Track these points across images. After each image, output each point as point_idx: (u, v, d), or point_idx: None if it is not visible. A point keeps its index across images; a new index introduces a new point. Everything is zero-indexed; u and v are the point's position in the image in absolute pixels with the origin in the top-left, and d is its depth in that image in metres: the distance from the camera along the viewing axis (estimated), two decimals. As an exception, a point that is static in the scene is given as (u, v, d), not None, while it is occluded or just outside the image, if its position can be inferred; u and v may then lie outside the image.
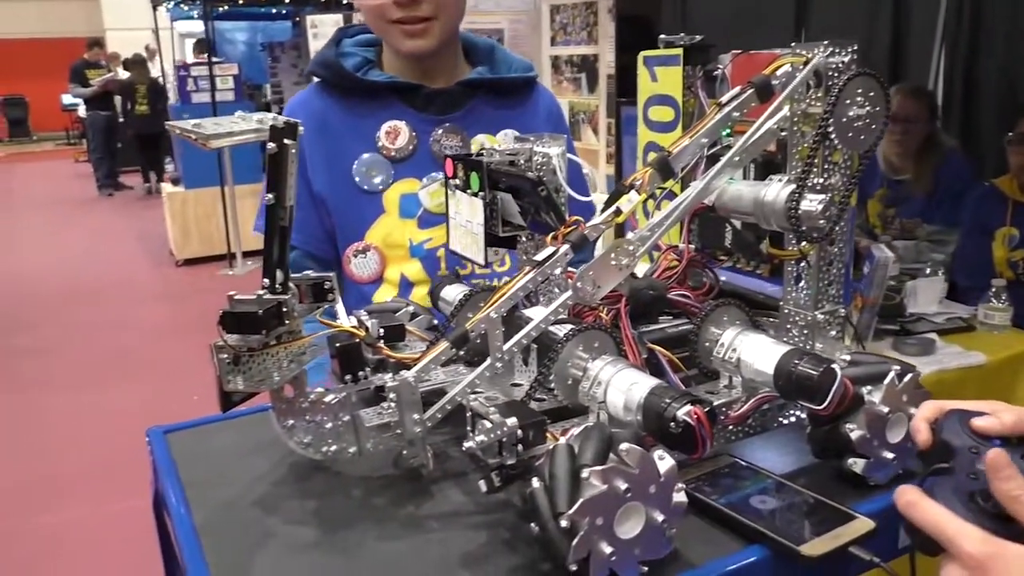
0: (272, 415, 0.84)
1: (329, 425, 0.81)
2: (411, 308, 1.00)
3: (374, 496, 0.79)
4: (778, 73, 0.85)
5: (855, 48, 0.83)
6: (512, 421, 0.66)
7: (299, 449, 0.84)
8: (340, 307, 0.88)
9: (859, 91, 0.81)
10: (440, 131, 1.32)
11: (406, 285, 1.32)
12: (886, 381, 0.75)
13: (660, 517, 0.64)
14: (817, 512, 0.71)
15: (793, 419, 0.85)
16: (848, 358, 0.80)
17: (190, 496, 0.80)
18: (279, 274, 0.79)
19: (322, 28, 5.22)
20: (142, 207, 7.51)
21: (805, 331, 0.88)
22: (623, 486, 0.61)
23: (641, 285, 0.91)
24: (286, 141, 0.75)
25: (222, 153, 5.62)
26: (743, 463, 0.80)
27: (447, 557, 0.69)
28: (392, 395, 0.75)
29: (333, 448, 0.82)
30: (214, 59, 5.84)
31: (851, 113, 0.81)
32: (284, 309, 0.77)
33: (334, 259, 1.33)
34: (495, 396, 0.80)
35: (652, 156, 1.02)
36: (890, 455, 0.76)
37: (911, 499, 0.58)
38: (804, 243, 0.87)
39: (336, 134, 1.30)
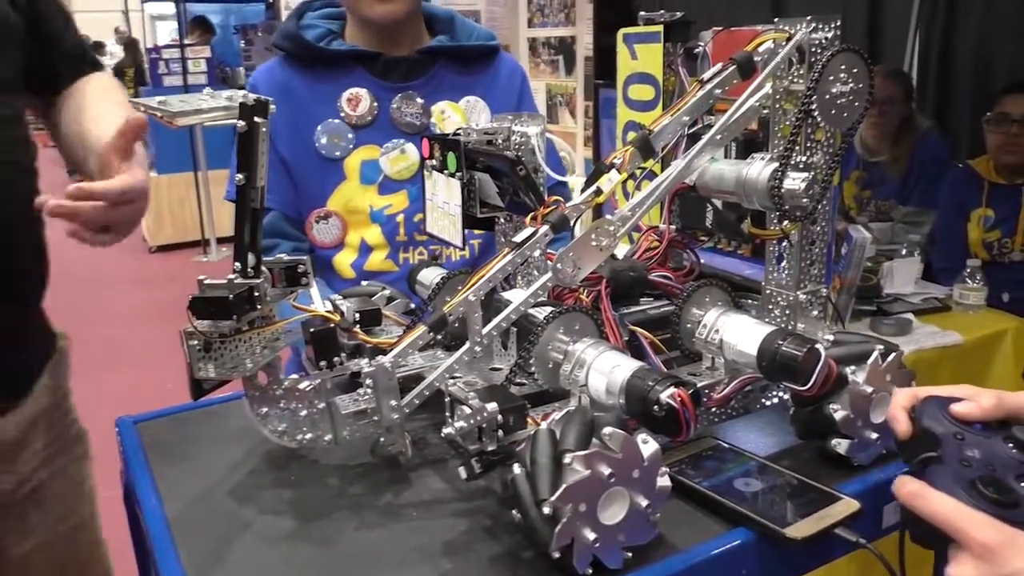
0: (245, 403, 0.81)
1: (304, 413, 0.79)
2: (387, 292, 0.98)
3: (351, 485, 0.77)
4: (760, 49, 0.83)
5: (838, 24, 0.81)
6: (492, 406, 0.65)
7: (273, 437, 0.82)
8: (314, 291, 0.85)
9: (842, 67, 0.80)
10: (400, 98, 1.32)
11: (366, 250, 1.34)
12: (870, 361, 0.75)
13: (644, 502, 0.62)
14: (802, 494, 0.70)
15: (776, 400, 0.85)
16: (831, 338, 0.79)
17: (161, 488, 0.78)
18: (251, 257, 0.77)
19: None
20: (113, 193, 7.39)
21: (787, 311, 0.87)
22: (606, 471, 0.60)
23: (622, 266, 0.89)
24: (256, 119, 0.73)
25: (195, 137, 5.53)
26: (726, 445, 0.79)
27: (427, 546, 0.67)
28: (368, 381, 0.73)
29: (308, 436, 0.80)
30: (186, 42, 5.72)
31: (834, 90, 0.80)
32: (256, 294, 0.75)
33: (302, 222, 1.34)
34: (474, 381, 0.78)
35: (632, 135, 1.00)
36: (874, 435, 0.76)
37: (914, 490, 0.55)
38: (786, 222, 0.86)
39: (299, 102, 1.31)
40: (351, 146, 1.30)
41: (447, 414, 0.70)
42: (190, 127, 0.73)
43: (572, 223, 0.81)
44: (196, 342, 0.74)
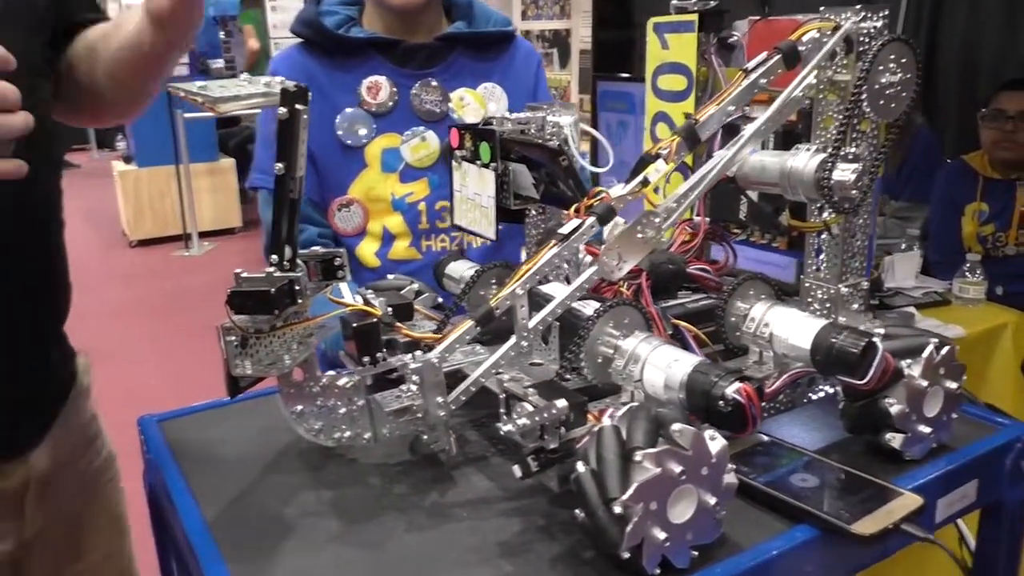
0: (279, 400, 0.79)
1: (343, 410, 0.77)
2: (415, 286, 0.95)
3: (394, 484, 0.75)
4: (804, 39, 0.82)
5: (886, 13, 0.80)
6: (562, 403, 0.63)
7: (309, 436, 0.79)
8: (344, 285, 0.83)
9: (891, 57, 0.79)
10: (420, 85, 1.31)
11: (388, 238, 1.33)
12: (924, 354, 0.74)
13: (712, 500, 0.61)
14: (861, 489, 0.69)
15: (822, 395, 0.83)
16: (881, 331, 0.78)
17: (195, 490, 0.75)
18: (287, 250, 0.74)
19: (280, 0, 5.07)
20: (90, 186, 7.24)
21: (827, 304, 0.86)
22: (677, 469, 0.58)
23: (661, 259, 0.88)
24: (297, 106, 0.70)
25: (177, 130, 5.44)
26: (776, 440, 0.77)
27: (482, 547, 0.65)
28: (415, 377, 0.71)
29: (347, 434, 0.78)
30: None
31: (883, 80, 0.79)
32: (296, 287, 0.72)
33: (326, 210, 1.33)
34: (519, 376, 0.76)
35: (662, 126, 0.98)
36: (927, 429, 0.75)
37: None
38: (827, 215, 0.85)
39: (319, 90, 1.29)
40: (372, 134, 1.29)
41: (502, 411, 0.68)
42: (231, 115, 0.70)
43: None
44: (234, 338, 0.72)
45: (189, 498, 0.74)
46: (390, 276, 0.97)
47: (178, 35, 0.87)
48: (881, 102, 0.79)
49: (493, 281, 0.90)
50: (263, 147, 1.31)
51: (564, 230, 0.75)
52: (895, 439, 0.74)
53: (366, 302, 0.81)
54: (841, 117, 0.81)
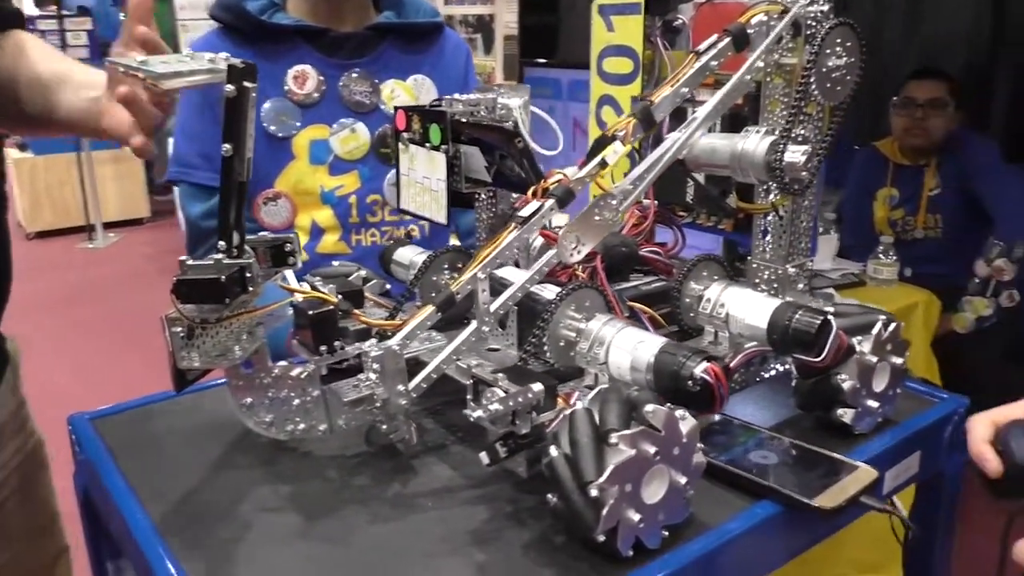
0: (228, 393, 0.75)
1: (297, 402, 0.74)
2: (363, 272, 0.92)
3: (353, 476, 0.73)
4: (753, 22, 0.83)
5: (830, -5, 0.82)
6: (538, 387, 0.62)
7: (259, 429, 0.76)
8: (290, 273, 0.80)
9: (838, 41, 0.81)
10: (349, 76, 1.27)
11: (317, 232, 1.29)
12: (874, 331, 0.76)
13: (683, 480, 0.61)
14: (818, 464, 0.71)
15: (772, 373, 0.85)
16: (831, 309, 0.80)
17: (138, 490, 0.71)
18: (235, 236, 0.71)
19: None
20: (-19, 176, 6.83)
21: (774, 284, 0.87)
22: (651, 450, 0.58)
23: (614, 242, 0.88)
24: (246, 83, 0.66)
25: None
26: (730, 419, 0.78)
27: (452, 536, 0.64)
28: (376, 365, 0.68)
29: (301, 426, 0.75)
30: (64, 12, 5.32)
31: (830, 63, 0.81)
32: (247, 275, 0.69)
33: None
34: (480, 362, 0.75)
35: (625, 107, 0.98)
36: (875, 404, 0.77)
37: None
38: (775, 196, 0.87)
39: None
40: (298, 125, 1.23)
41: (468, 397, 0.66)
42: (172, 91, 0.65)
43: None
44: (179, 329, 0.68)
45: (132, 500, 0.69)
46: (335, 263, 0.94)
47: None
48: (828, 85, 0.81)
49: (446, 266, 0.88)
50: (182, 137, 1.24)
51: (524, 213, 0.74)
52: (846, 414, 0.76)
53: (315, 289, 0.78)
54: (789, 100, 0.82)
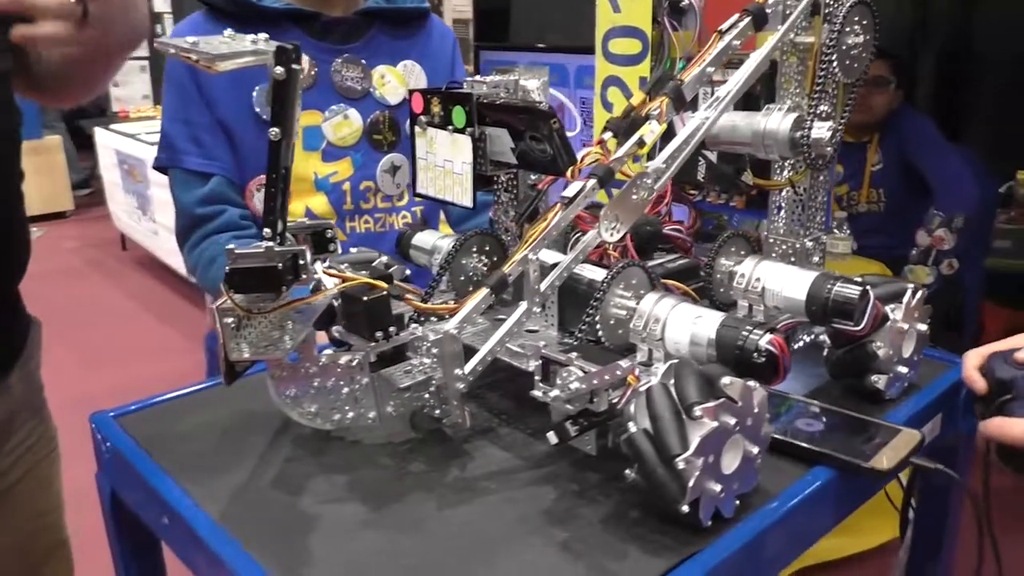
0: (269, 385, 0.74)
1: (346, 390, 0.73)
2: (384, 258, 0.91)
3: (407, 463, 0.72)
4: (770, 1, 0.85)
5: (846, -24, 0.84)
6: (627, 364, 0.62)
7: (304, 420, 0.74)
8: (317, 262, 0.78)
9: (856, 19, 0.83)
10: (341, 62, 1.24)
11: (312, 219, 1.24)
12: (905, 299, 0.79)
13: (755, 449, 0.63)
14: (862, 429, 0.73)
15: (801, 344, 0.87)
16: (859, 279, 0.83)
17: (188, 488, 0.69)
18: (279, 223, 0.69)
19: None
20: None
21: (791, 258, 0.90)
22: (731, 421, 0.59)
23: (640, 221, 0.88)
24: (294, 66, 0.64)
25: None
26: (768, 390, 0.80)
27: (527, 517, 0.64)
28: (435, 350, 0.68)
29: (350, 415, 0.73)
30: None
31: (850, 41, 0.83)
32: (300, 262, 0.67)
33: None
34: (522, 343, 0.75)
35: (633, 89, 0.99)
36: (905, 370, 0.80)
37: (999, 422, 0.65)
38: (792, 173, 0.89)
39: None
40: None
41: (537, 378, 0.66)
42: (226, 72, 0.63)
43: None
44: (231, 320, 0.66)
45: (185, 497, 0.67)
46: (353, 249, 0.92)
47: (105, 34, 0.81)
48: (847, 62, 0.84)
49: (475, 250, 0.88)
50: (170, 122, 1.19)
51: (568, 193, 0.74)
52: (880, 380, 0.79)
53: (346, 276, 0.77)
54: (803, 78, 0.85)
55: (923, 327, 0.82)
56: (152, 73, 5.37)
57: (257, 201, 1.21)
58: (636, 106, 0.95)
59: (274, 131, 0.65)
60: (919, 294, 0.80)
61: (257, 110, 1.18)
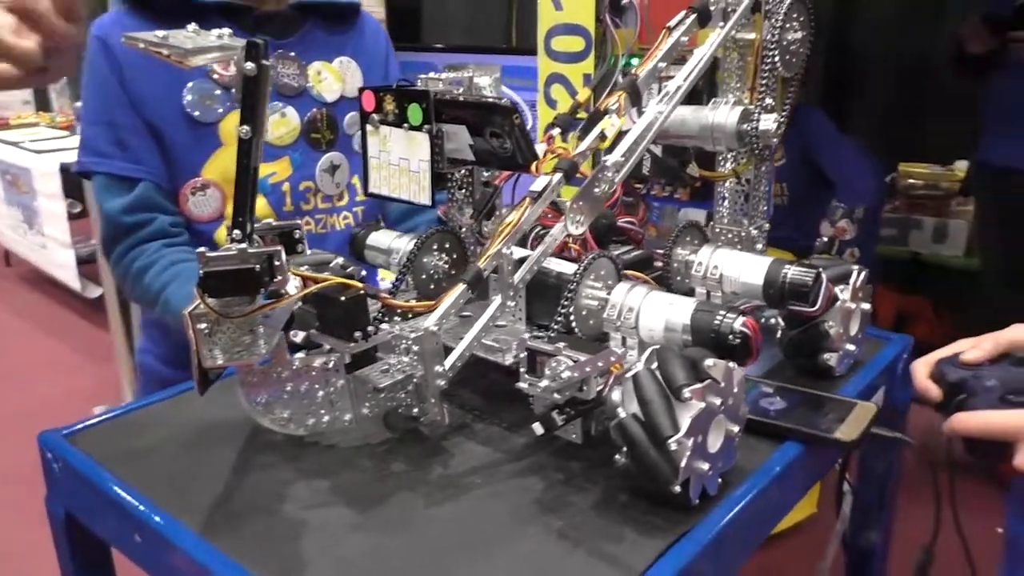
0: (240, 392, 0.71)
1: (321, 393, 0.71)
2: (340, 259, 0.89)
3: (388, 464, 0.71)
4: (712, -1, 0.88)
5: (783, -25, 0.88)
6: (616, 352, 0.63)
7: (275, 427, 0.73)
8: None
9: (794, 16, 0.87)
10: (276, 57, 1.21)
11: None
12: (851, 280, 0.83)
13: (735, 428, 0.65)
14: (821, 404, 0.77)
15: (753, 328, 0.91)
16: (808, 263, 0.87)
17: (159, 502, 0.66)
18: (248, 225, 0.67)
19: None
20: None
21: (737, 245, 0.93)
22: (717, 401, 0.62)
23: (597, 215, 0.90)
24: (264, 62, 0.63)
25: None
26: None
27: (518, 509, 0.64)
28: (415, 348, 0.67)
29: (325, 419, 0.72)
30: None
31: (789, 37, 0.87)
32: (276, 262, 0.65)
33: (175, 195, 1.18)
34: (496, 337, 0.75)
35: (577, 86, 1.01)
36: (852, 347, 0.85)
37: (960, 417, 0.69)
38: (735, 164, 0.93)
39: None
40: (225, 109, 1.16)
41: (523, 370, 0.67)
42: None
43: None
44: (204, 325, 0.63)
45: (158, 510, 0.64)
46: (309, 251, 0.90)
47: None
48: (787, 57, 0.88)
49: (435, 248, 0.87)
50: (95, 125, 1.13)
51: (535, 188, 0.75)
52: (832, 358, 0.83)
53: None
54: (744, 72, 0.88)
55: (867, 306, 0.87)
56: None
57: (193, 205, 1.16)
58: (582, 102, 0.98)
59: (244, 129, 0.63)
60: (863, 275, 0.85)
61: (189, 110, 1.13)
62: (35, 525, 0.79)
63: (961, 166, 3.56)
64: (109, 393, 3.00)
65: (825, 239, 2.52)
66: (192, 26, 0.63)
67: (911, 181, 3.50)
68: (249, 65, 0.62)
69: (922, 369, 0.78)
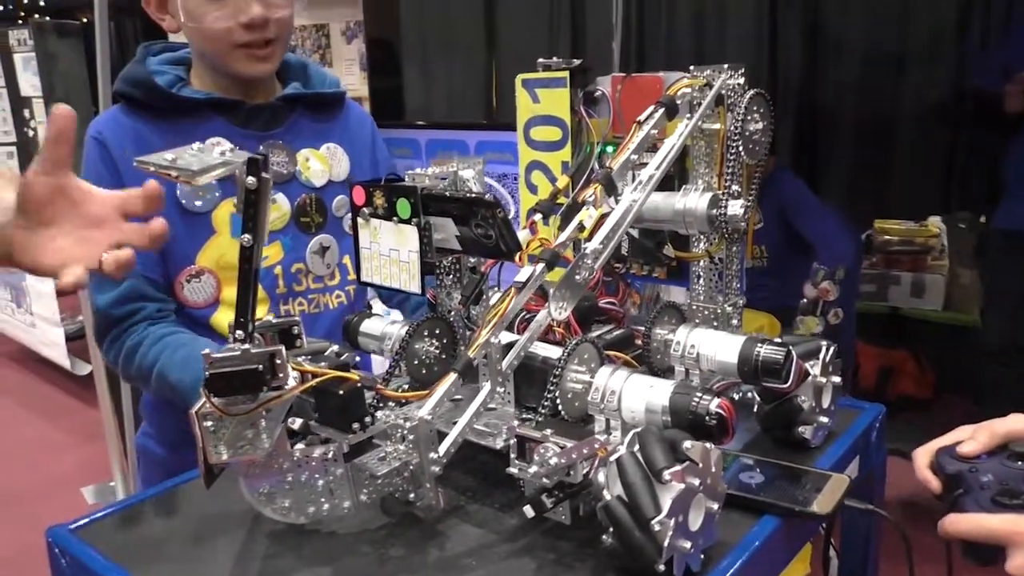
0: (242, 483, 0.75)
1: (321, 482, 0.74)
2: (335, 347, 0.93)
3: (387, 548, 0.74)
4: (679, 93, 0.94)
5: (743, 70, 0.95)
6: (602, 439, 0.67)
7: (277, 516, 0.76)
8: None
9: (755, 108, 0.94)
10: (266, 146, 1.26)
11: None
12: (820, 356, 0.88)
13: (715, 505, 0.69)
14: (797, 476, 0.81)
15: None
16: (778, 340, 0.92)
17: (168, 595, 0.68)
18: (249, 325, 0.71)
19: None
20: None
21: (713, 323, 0.98)
22: (696, 481, 0.65)
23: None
24: (263, 175, 0.68)
25: None
26: (711, 448, 0.87)
27: (512, 590, 0.67)
28: (411, 436, 0.71)
29: (325, 507, 0.75)
30: None
31: (752, 127, 0.93)
32: (278, 361, 0.69)
33: (169, 283, 1.22)
34: (493, 423, 0.79)
35: (556, 172, 1.07)
36: (825, 419, 0.89)
37: (952, 519, 0.70)
38: (705, 245, 0.98)
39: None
40: (217, 198, 1.21)
41: (513, 455, 0.70)
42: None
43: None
44: (210, 423, 0.67)
45: (168, 606, 0.67)
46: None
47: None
48: (750, 146, 0.94)
49: (426, 334, 0.92)
50: None
51: (520, 278, 0.80)
52: (807, 431, 0.87)
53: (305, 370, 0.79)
54: (711, 160, 0.95)
55: (837, 379, 0.91)
56: (20, 159, 5.13)
57: (188, 292, 1.20)
58: (562, 188, 1.04)
59: (246, 237, 0.68)
60: (831, 350, 0.90)
61: (183, 201, 1.18)
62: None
63: (935, 221, 3.66)
64: (99, 471, 2.99)
65: (809, 300, 2.58)
66: (196, 145, 0.68)
67: (887, 237, 3.59)
68: (250, 179, 0.67)
69: (923, 459, 0.79)
